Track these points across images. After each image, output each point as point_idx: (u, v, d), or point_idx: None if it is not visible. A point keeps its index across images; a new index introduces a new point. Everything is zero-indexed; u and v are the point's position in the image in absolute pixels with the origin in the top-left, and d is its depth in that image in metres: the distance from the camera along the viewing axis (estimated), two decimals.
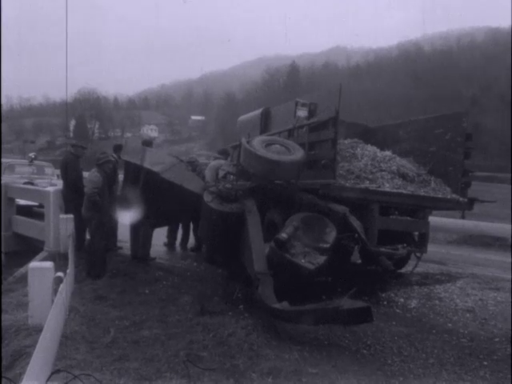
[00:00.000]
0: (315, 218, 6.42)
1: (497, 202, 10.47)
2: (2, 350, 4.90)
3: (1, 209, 9.71)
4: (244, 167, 7.31)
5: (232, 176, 8.55)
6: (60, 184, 9.55)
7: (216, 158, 9.86)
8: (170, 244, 10.36)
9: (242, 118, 11.33)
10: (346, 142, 8.17)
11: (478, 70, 73.14)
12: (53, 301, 4.80)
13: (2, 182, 10.38)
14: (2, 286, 7.32)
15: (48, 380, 3.09)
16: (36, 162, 14.73)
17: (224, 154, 10.33)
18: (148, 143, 9.09)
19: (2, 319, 5.52)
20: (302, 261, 5.82)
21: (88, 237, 8.02)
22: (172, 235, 10.36)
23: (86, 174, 9.08)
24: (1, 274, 6.95)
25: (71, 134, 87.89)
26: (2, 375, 3.59)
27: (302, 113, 7.64)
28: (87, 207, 7.57)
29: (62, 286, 5.07)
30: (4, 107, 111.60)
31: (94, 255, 7.58)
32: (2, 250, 9.81)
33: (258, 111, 9.95)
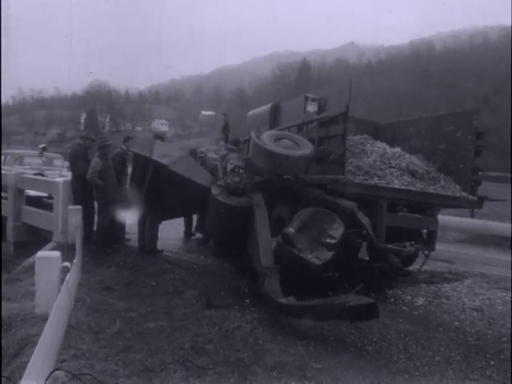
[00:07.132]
0: (323, 214, 6.41)
1: (506, 201, 10.36)
2: (10, 338, 4.92)
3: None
4: (253, 161, 7.29)
5: (240, 170, 8.52)
6: (69, 175, 9.59)
7: (228, 149, 9.65)
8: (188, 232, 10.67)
9: (252, 112, 11.31)
10: (355, 138, 8.12)
11: (491, 69, 72.43)
12: (60, 290, 4.81)
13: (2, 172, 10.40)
14: (10, 275, 7.37)
15: (47, 379, 3.08)
16: (46, 153, 14.78)
17: (236, 144, 10.11)
18: (160, 138, 9.07)
19: (10, 307, 5.56)
20: (309, 256, 5.81)
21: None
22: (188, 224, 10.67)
23: None
24: (0, 267, 6.99)
25: (82, 127, 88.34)
26: (2, 375, 3.59)
27: (312, 108, 7.63)
28: (94, 190, 8.33)
29: (68, 275, 5.08)
30: (17, 99, 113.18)
31: (101, 228, 8.39)
32: (12, 239, 9.90)
33: (268, 106, 9.91)
